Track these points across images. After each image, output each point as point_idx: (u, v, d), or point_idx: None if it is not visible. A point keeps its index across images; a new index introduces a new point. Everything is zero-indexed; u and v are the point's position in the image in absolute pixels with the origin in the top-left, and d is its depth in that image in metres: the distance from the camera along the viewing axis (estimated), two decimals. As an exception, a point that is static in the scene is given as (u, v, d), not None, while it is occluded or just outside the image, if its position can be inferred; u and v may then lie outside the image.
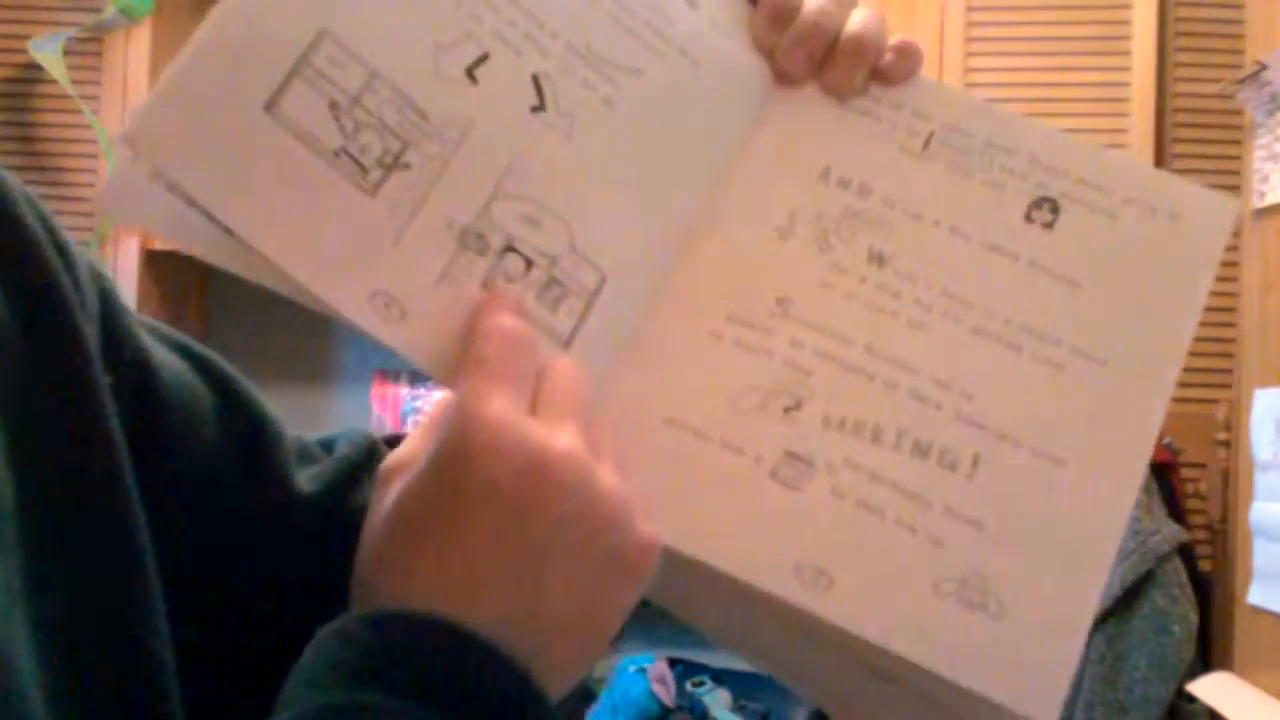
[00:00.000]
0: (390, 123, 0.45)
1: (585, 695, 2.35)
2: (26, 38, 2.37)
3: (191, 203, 0.42)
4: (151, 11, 2.39)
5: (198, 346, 0.53)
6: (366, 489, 0.54)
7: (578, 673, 0.45)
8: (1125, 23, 2.29)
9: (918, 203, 0.53)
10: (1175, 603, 2.06)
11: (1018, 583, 0.47)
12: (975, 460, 0.49)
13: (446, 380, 0.45)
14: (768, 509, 0.48)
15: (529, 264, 0.47)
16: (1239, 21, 2.18)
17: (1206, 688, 1.97)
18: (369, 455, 0.57)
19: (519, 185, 0.47)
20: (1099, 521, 0.48)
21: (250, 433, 0.53)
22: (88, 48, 2.40)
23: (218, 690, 0.47)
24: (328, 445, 0.58)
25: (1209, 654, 2.13)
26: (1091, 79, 2.28)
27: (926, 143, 0.54)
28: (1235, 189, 2.13)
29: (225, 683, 0.48)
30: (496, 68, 0.48)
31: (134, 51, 2.40)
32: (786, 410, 0.49)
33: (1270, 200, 1.95)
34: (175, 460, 0.49)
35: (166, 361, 0.50)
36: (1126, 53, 2.28)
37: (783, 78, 0.55)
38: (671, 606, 0.51)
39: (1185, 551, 2.10)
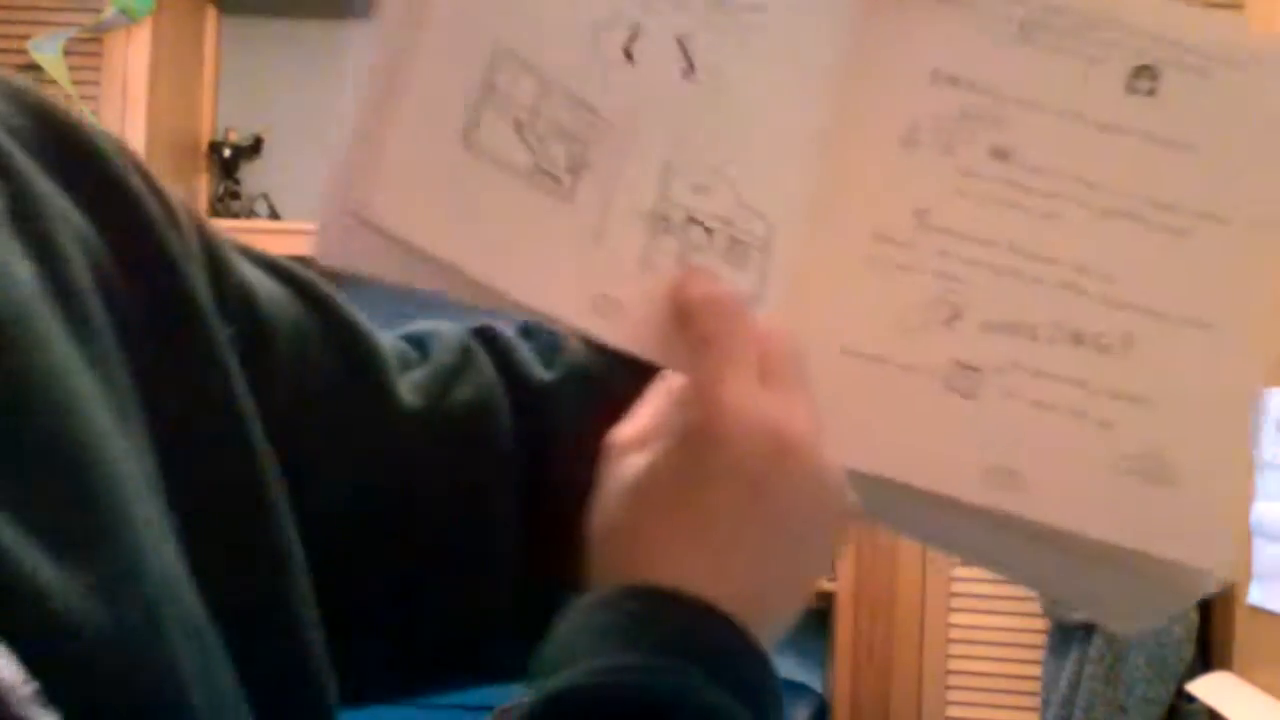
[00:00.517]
0: (568, 127, 0.46)
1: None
2: (26, 38, 2.37)
3: (413, 250, 0.43)
4: (151, 11, 2.39)
5: (291, 266, 0.54)
6: (461, 392, 0.56)
7: (790, 621, 0.49)
8: (1125, 23, 2.29)
9: (1025, 91, 0.53)
10: (1175, 603, 2.06)
11: (1188, 448, 0.50)
12: (1128, 339, 0.51)
13: (671, 363, 0.47)
14: (950, 420, 0.50)
15: (709, 232, 0.49)
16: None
17: (1206, 688, 1.97)
18: (464, 356, 0.57)
19: (685, 156, 0.48)
20: (1246, 378, 0.51)
21: (353, 352, 0.54)
22: (88, 48, 2.41)
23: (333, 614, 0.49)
24: (418, 342, 0.58)
25: (1209, 654, 2.13)
26: (1091, 79, 2.28)
27: (1025, 26, 0.54)
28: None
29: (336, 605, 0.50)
30: (647, 39, 0.48)
31: (134, 51, 2.40)
32: (947, 321, 0.51)
33: (1270, 200, 1.95)
34: (287, 390, 0.50)
35: (268, 290, 0.51)
36: (1126, 53, 2.28)
37: None
38: (875, 519, 0.54)
39: (1185, 551, 2.10)
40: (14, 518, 0.33)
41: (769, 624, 0.46)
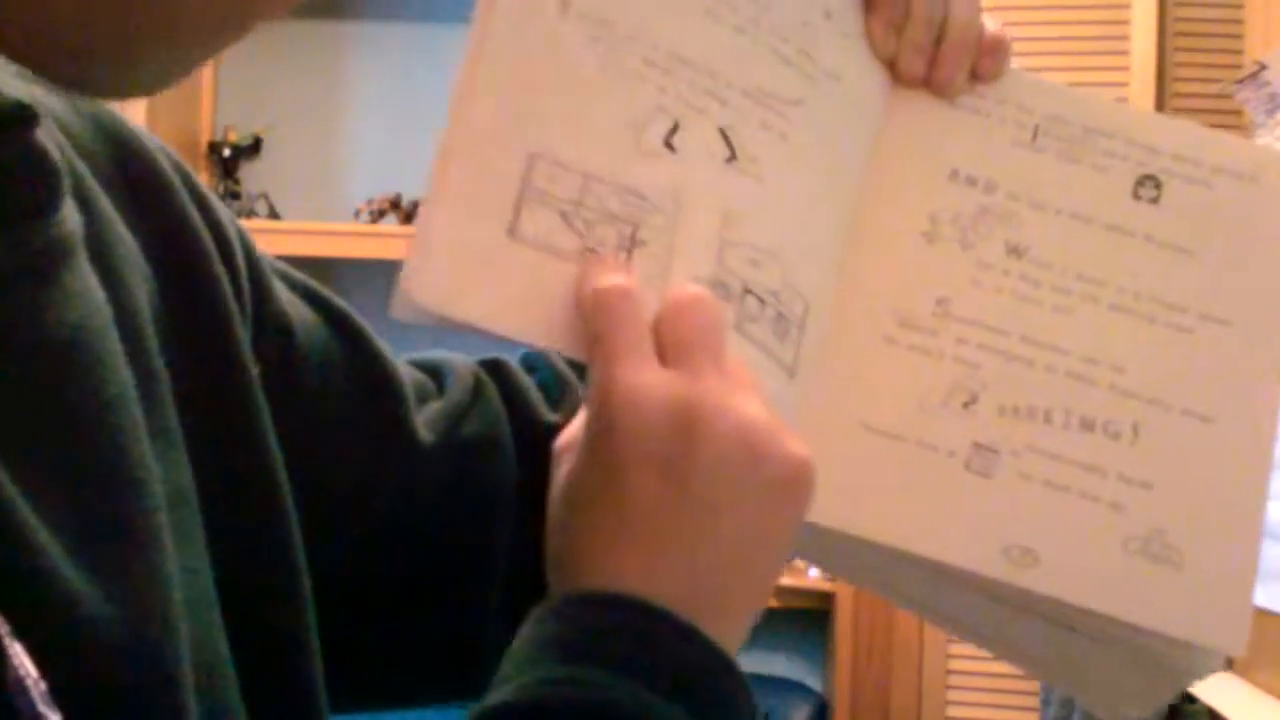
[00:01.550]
0: (616, 211, 0.49)
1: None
2: (26, 38, 2.37)
3: (473, 329, 0.47)
4: (151, 11, 2.38)
5: (327, 294, 0.56)
6: (471, 428, 0.58)
7: (761, 602, 0.47)
8: (1125, 23, 2.29)
9: (1038, 193, 0.56)
10: (1175, 603, 2.06)
11: (1192, 532, 0.52)
12: (1135, 428, 0.53)
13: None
14: (968, 498, 0.52)
15: (762, 302, 0.51)
16: (1239, 21, 2.18)
17: (1206, 688, 1.97)
18: (476, 392, 0.59)
19: (736, 232, 0.51)
20: (1250, 469, 0.53)
21: (376, 385, 0.56)
22: (87, 48, 2.40)
23: (341, 644, 0.50)
24: (434, 371, 0.60)
25: (1209, 654, 2.12)
26: (1091, 79, 2.28)
27: (1035, 135, 0.57)
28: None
29: (348, 636, 0.52)
30: (688, 131, 0.50)
31: (134, 51, 2.40)
32: (965, 405, 0.53)
33: (1270, 200, 1.95)
34: (308, 416, 0.52)
35: (302, 318, 0.54)
36: (1126, 53, 2.29)
37: (901, 81, 0.57)
38: (875, 588, 0.57)
39: (1185, 551, 2.10)
40: (58, 533, 0.35)
41: (726, 616, 0.45)
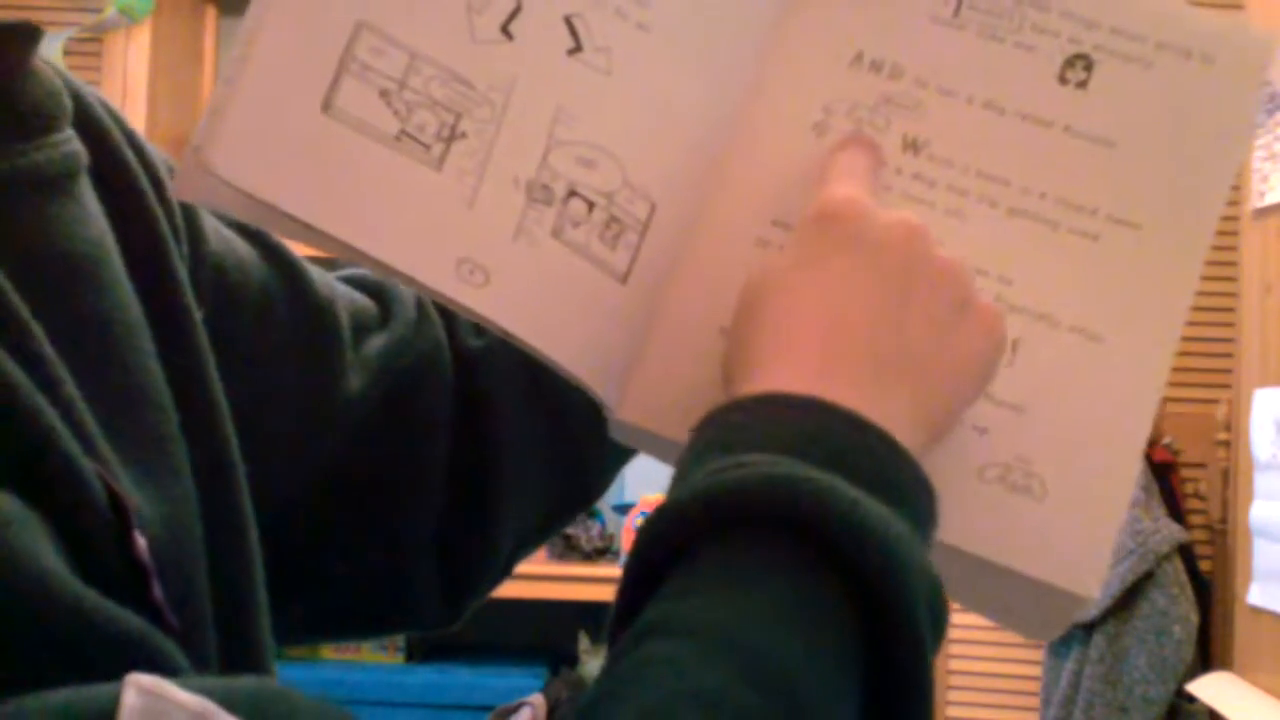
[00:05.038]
0: (439, 98, 0.46)
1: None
2: (26, 38, 2.37)
3: (257, 201, 0.43)
4: (151, 11, 2.38)
5: (263, 230, 0.55)
6: (412, 358, 0.58)
7: (949, 420, 0.46)
8: (1125, 23, 2.28)
9: (950, 78, 0.52)
10: (1175, 603, 2.06)
11: (1060, 462, 0.48)
12: (1015, 345, 0.49)
13: (540, 341, 0.47)
14: None
15: (590, 205, 0.48)
16: (1239, 21, 2.17)
17: (1206, 688, 1.97)
18: (419, 322, 0.59)
19: (569, 130, 0.48)
20: (1136, 396, 0.49)
21: (312, 319, 0.55)
22: (88, 48, 2.40)
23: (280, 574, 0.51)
24: (379, 295, 0.60)
25: (1209, 654, 2.12)
26: (1091, 79, 2.28)
27: (958, 7, 0.52)
28: (1235, 189, 2.13)
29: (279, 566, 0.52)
30: (530, 17, 0.47)
31: (134, 51, 2.40)
32: None
33: (1270, 200, 1.95)
34: (246, 351, 0.52)
35: (238, 256, 0.53)
36: (1126, 53, 2.28)
37: None
38: None
39: (1185, 551, 2.10)
40: (113, 446, 0.38)
41: (930, 392, 0.44)
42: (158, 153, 0.50)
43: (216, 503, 0.45)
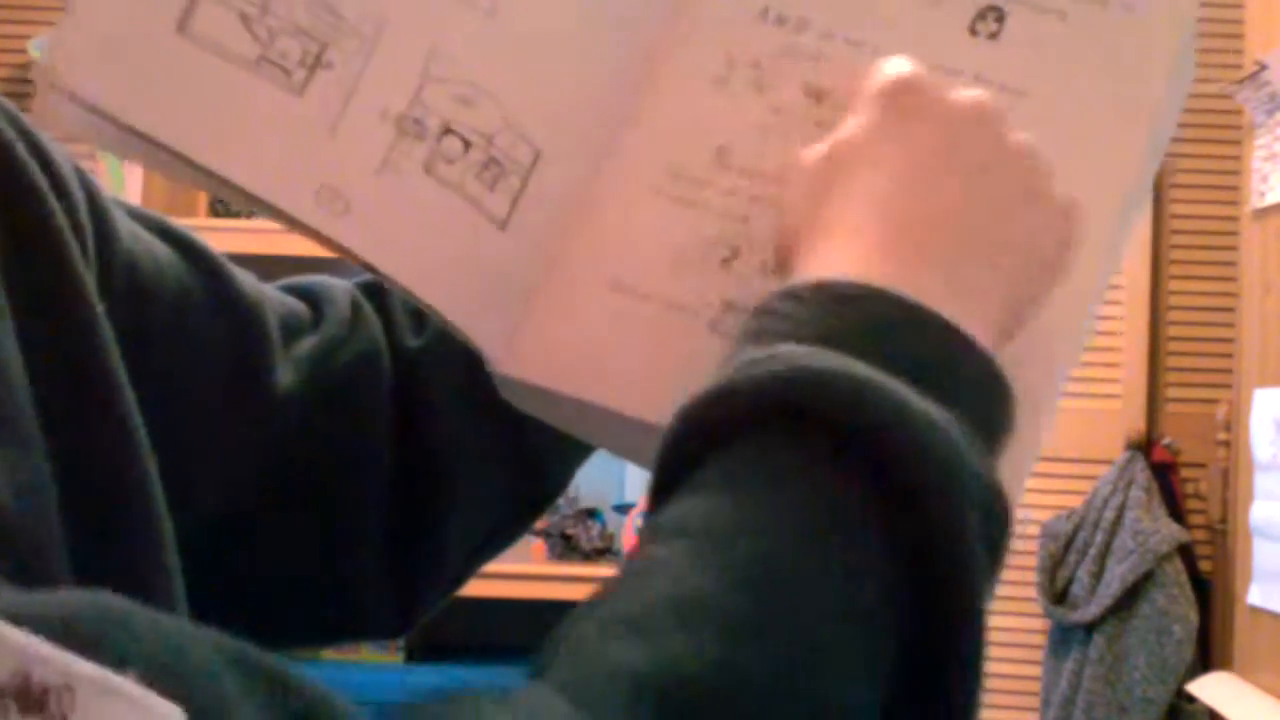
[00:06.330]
0: (304, 25, 0.44)
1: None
2: (26, 38, 2.37)
3: (112, 120, 0.42)
4: (151, 11, 2.38)
5: (185, 230, 0.54)
6: (347, 358, 0.56)
7: (1021, 316, 0.44)
8: (1125, 23, 2.28)
9: (857, 29, 0.51)
10: (1175, 603, 2.06)
11: None
12: None
13: (396, 271, 0.45)
14: (707, 361, 0.45)
15: (467, 144, 0.47)
16: (1239, 21, 2.18)
17: (1206, 688, 1.97)
18: (354, 322, 0.58)
19: (447, 68, 0.47)
20: (1042, 379, 0.47)
21: (235, 325, 0.54)
22: (87, 48, 2.40)
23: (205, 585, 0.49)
24: (310, 297, 0.58)
25: (1209, 654, 2.13)
26: (1091, 79, 2.28)
27: None
28: (1235, 189, 2.13)
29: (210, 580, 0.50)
30: None
31: (134, 51, 2.40)
32: (724, 261, 0.49)
33: (1270, 200, 1.95)
34: (164, 356, 0.50)
35: (153, 255, 0.52)
36: (1126, 53, 2.28)
37: None
38: (614, 449, 0.53)
39: (1185, 551, 2.10)
40: None
41: (1010, 281, 0.43)
42: (60, 150, 0.49)
43: (104, 484, 0.43)
